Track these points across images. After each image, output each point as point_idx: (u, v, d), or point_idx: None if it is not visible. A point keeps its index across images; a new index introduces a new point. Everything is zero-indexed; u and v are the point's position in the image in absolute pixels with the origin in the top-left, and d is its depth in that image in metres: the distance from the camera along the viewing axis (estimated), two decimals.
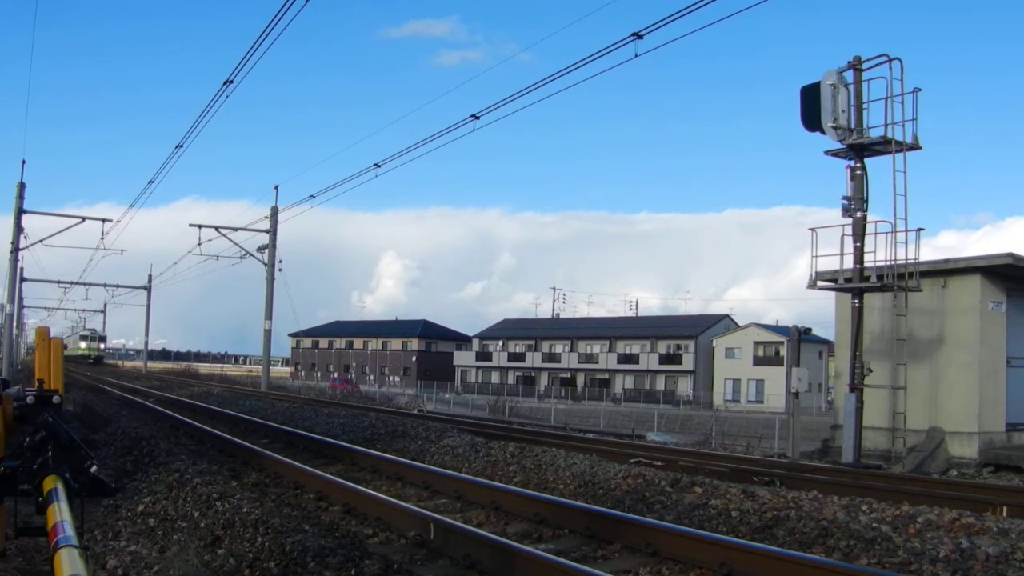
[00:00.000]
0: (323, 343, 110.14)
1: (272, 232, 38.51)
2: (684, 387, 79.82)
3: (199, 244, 37.72)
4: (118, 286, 63.59)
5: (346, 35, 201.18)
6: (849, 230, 15.96)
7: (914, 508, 8.27)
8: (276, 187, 38.37)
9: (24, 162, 62.83)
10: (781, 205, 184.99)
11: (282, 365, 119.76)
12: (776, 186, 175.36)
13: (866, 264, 15.90)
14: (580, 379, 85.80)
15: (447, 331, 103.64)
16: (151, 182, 38.36)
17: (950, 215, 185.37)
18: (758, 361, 75.99)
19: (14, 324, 41.02)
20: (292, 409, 20.31)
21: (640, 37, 13.22)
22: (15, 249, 35.26)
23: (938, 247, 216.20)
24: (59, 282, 61.32)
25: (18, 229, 34.73)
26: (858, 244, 15.83)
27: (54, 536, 2.46)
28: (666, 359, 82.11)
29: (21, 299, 54.90)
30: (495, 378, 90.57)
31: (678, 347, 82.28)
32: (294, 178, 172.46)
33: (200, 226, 37.45)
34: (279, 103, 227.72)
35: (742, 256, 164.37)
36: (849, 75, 15.84)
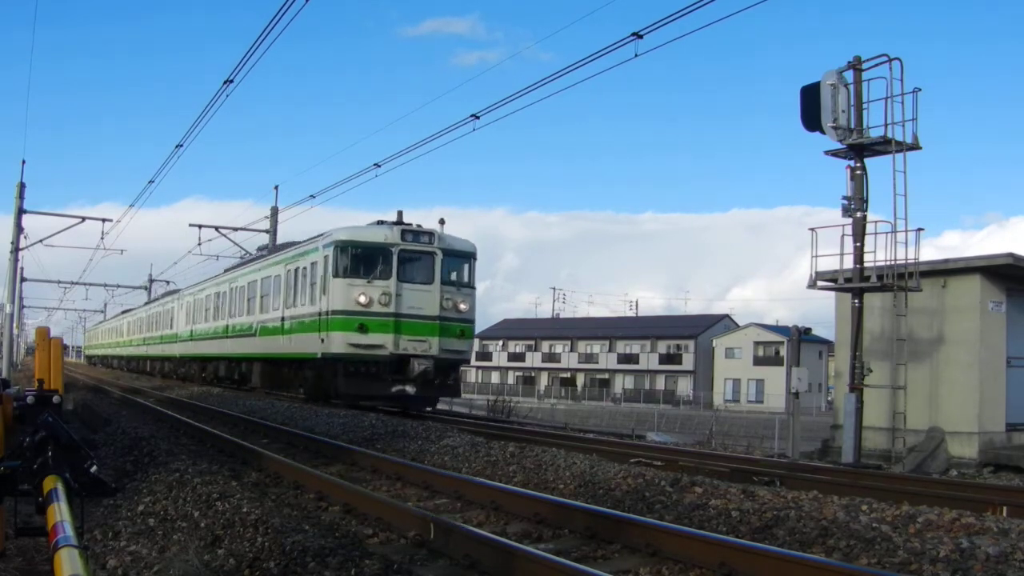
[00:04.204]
0: None
1: (272, 232, 38.46)
2: (684, 387, 79.85)
3: (199, 244, 37.22)
4: (118, 286, 63.16)
5: (360, 33, 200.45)
6: (849, 230, 15.97)
7: (914, 508, 8.26)
8: (276, 187, 37.71)
9: (24, 162, 62.67)
10: (786, 205, 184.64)
11: None
12: (781, 186, 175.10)
13: (866, 264, 15.91)
14: (580, 379, 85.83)
15: None
16: (151, 182, 37.78)
17: (959, 215, 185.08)
18: (758, 361, 76.04)
19: (14, 324, 40.97)
20: (292, 409, 20.28)
21: (640, 37, 13.23)
22: (15, 249, 35.23)
23: (941, 247, 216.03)
24: (59, 282, 61.25)
25: (18, 229, 34.72)
26: (858, 244, 15.83)
27: (54, 536, 2.46)
28: (666, 359, 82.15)
29: (21, 299, 54.90)
30: (495, 378, 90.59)
31: (678, 347, 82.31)
32: (295, 178, 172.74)
33: (200, 226, 37.13)
34: (284, 102, 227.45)
35: (746, 256, 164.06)
36: (849, 75, 15.85)
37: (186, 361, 36.86)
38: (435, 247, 20.28)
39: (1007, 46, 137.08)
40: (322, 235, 21.23)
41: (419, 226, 20.55)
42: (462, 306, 20.46)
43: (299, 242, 24.06)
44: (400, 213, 20.77)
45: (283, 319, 23.00)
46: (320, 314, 20.09)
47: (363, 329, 19.17)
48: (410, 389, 19.50)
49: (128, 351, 53.55)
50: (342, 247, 19.97)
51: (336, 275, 19.70)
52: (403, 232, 20.00)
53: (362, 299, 19.32)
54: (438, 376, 20.08)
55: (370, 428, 15.38)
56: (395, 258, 19.74)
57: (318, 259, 20.74)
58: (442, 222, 20.80)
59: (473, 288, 21.15)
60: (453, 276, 20.67)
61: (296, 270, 22.48)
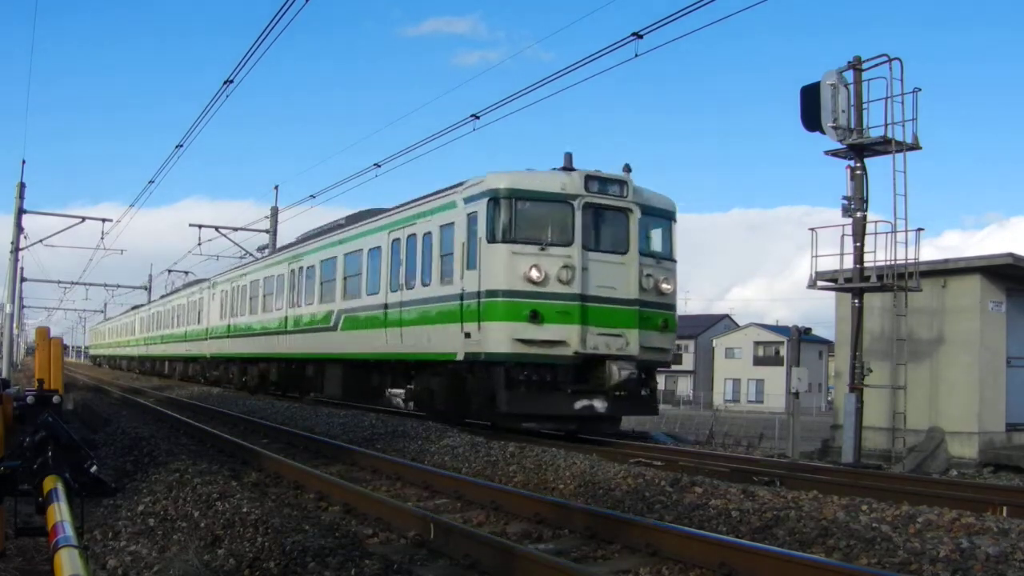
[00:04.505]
0: None
1: (272, 232, 38.46)
2: (684, 387, 79.82)
3: (199, 244, 37.56)
4: (118, 286, 63.32)
5: (361, 33, 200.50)
6: (849, 230, 15.97)
7: (914, 508, 8.26)
8: (276, 187, 37.77)
9: (24, 162, 62.68)
10: (786, 205, 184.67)
11: None
12: (781, 186, 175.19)
13: (866, 264, 15.91)
14: None
15: None
16: (151, 182, 37.82)
17: (959, 215, 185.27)
18: (758, 361, 76.04)
19: (14, 324, 40.97)
20: (292, 409, 20.30)
21: (640, 37, 13.23)
22: (15, 249, 35.24)
23: (941, 247, 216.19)
24: (59, 282, 61.53)
25: (18, 229, 34.73)
26: (858, 244, 15.84)
27: (54, 536, 2.46)
28: None
29: (21, 299, 54.89)
30: None
31: (678, 347, 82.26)
32: (295, 177, 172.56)
33: (200, 226, 37.34)
34: (284, 101, 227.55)
35: (746, 256, 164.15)
36: (849, 75, 15.85)
37: (220, 362, 30.80)
38: (630, 201, 14.60)
39: (1008, 46, 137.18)
40: (459, 185, 15.16)
41: (597, 171, 14.65)
42: (664, 286, 14.95)
43: (405, 203, 17.48)
44: (569, 156, 14.78)
45: (386, 306, 17.15)
46: (463, 296, 14.46)
47: (536, 318, 13.57)
48: (599, 405, 14.13)
49: (141, 351, 46.64)
50: (501, 198, 14.06)
51: (493, 239, 14.00)
52: (587, 179, 14.28)
53: (534, 274, 13.67)
54: (635, 386, 14.46)
55: (370, 428, 15.38)
56: (578, 215, 14.09)
57: (456, 218, 15.00)
58: (627, 169, 14.90)
59: (675, 262, 15.60)
60: (651, 245, 15.24)
61: (411, 238, 16.57)
